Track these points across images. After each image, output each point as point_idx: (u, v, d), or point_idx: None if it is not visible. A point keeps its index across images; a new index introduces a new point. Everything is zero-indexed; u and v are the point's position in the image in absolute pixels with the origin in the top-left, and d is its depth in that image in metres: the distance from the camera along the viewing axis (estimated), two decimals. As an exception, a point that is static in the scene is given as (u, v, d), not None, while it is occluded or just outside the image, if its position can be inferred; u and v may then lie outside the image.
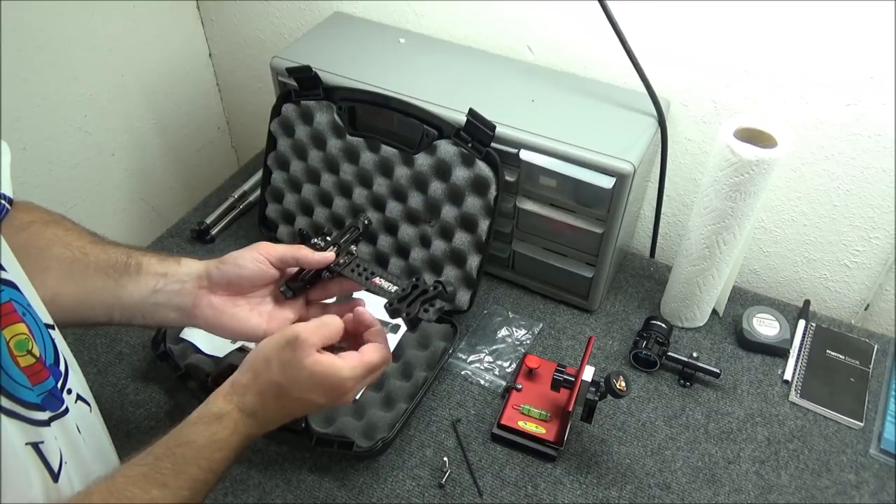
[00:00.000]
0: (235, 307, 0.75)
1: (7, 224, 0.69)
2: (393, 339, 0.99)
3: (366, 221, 0.82)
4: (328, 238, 0.79)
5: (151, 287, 0.73)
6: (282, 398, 0.64)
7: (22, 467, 0.56)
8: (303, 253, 0.74)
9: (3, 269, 0.59)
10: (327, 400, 0.65)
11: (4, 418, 0.54)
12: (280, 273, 0.76)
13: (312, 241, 0.78)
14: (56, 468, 0.60)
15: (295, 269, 0.78)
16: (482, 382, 0.97)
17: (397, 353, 0.98)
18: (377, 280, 0.75)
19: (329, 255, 0.76)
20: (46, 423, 0.60)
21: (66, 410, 0.63)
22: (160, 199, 1.49)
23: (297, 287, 0.77)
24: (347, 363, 0.65)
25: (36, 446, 0.58)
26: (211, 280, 0.74)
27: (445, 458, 0.87)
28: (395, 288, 0.75)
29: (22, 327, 0.58)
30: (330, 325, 0.67)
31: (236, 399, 0.64)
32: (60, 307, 0.73)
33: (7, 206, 0.69)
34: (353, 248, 0.79)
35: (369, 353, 0.67)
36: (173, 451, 0.60)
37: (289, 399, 0.64)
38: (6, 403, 0.55)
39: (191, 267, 0.74)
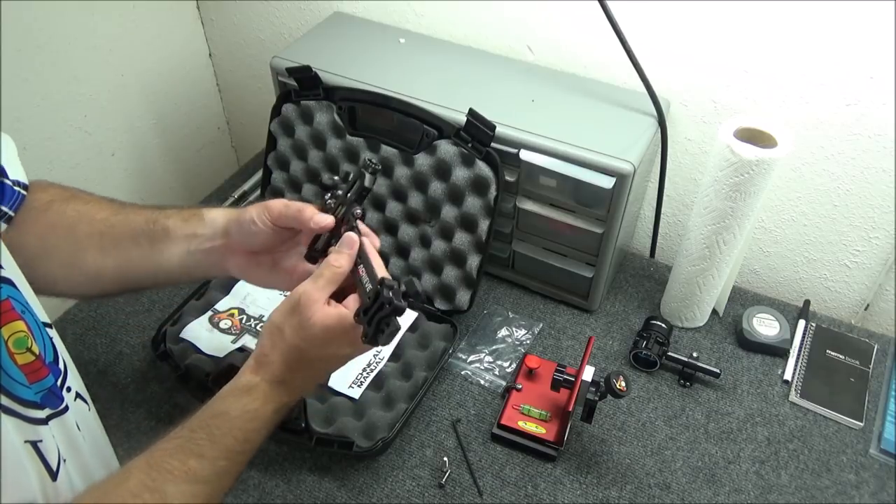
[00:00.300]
0: (258, 266, 0.75)
1: (27, 207, 0.70)
2: (393, 340, 0.99)
3: (370, 167, 0.72)
4: (339, 194, 0.72)
5: (185, 249, 0.74)
6: (306, 360, 0.63)
7: (20, 465, 0.56)
8: (303, 215, 0.70)
9: (1, 267, 0.59)
10: (352, 348, 0.64)
11: (4, 416, 0.54)
12: (292, 231, 0.74)
13: (326, 201, 0.72)
14: (55, 467, 0.60)
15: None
16: (482, 382, 0.97)
17: (397, 353, 0.98)
18: (360, 270, 0.66)
19: (328, 221, 0.70)
20: (44, 421, 0.60)
21: (66, 408, 0.63)
22: (160, 199, 1.49)
23: (314, 255, 0.73)
24: (353, 306, 0.63)
25: (34, 445, 0.58)
26: (231, 239, 0.74)
27: (445, 458, 0.87)
28: (369, 287, 0.63)
29: (21, 325, 0.59)
30: (328, 271, 0.64)
31: (262, 371, 0.63)
32: (106, 281, 0.75)
33: (23, 192, 0.70)
34: (357, 210, 0.71)
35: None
36: (208, 422, 0.60)
37: (313, 359, 0.64)
38: (4, 401, 0.55)
39: (215, 224, 0.74)
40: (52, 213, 0.72)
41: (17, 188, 0.69)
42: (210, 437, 0.60)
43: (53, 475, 0.60)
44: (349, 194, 0.72)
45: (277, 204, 0.71)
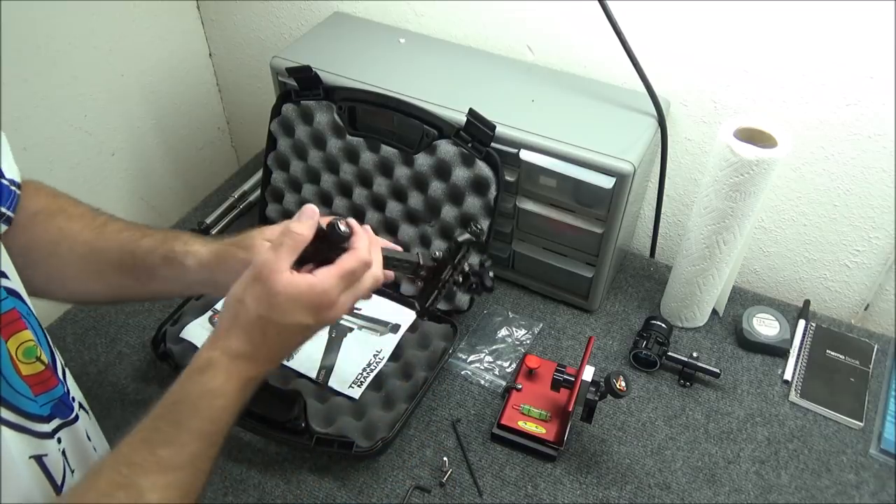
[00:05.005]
0: None
1: (16, 213, 0.68)
2: (393, 340, 0.99)
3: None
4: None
5: (172, 286, 0.73)
6: (269, 331, 0.60)
7: (22, 483, 0.55)
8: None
9: (6, 277, 0.58)
10: (316, 319, 0.61)
11: (7, 431, 0.53)
12: None
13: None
14: (59, 481, 0.59)
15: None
16: (482, 382, 0.97)
17: (397, 353, 0.98)
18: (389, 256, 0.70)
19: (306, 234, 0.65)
20: (50, 434, 0.59)
21: (77, 418, 0.62)
22: (160, 199, 1.49)
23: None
24: (322, 275, 0.61)
25: (39, 459, 0.57)
26: (220, 276, 0.70)
27: (445, 458, 0.87)
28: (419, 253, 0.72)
29: (29, 334, 0.58)
30: (289, 240, 0.61)
31: (220, 345, 0.60)
32: (96, 300, 0.74)
33: (17, 191, 0.67)
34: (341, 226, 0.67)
35: (343, 260, 0.62)
36: (170, 409, 0.57)
37: (277, 329, 0.60)
38: (8, 416, 0.54)
39: (200, 265, 0.70)
40: (36, 227, 0.70)
41: (13, 188, 0.67)
42: (175, 423, 0.56)
43: (58, 489, 0.59)
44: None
45: (259, 242, 0.68)
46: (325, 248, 0.64)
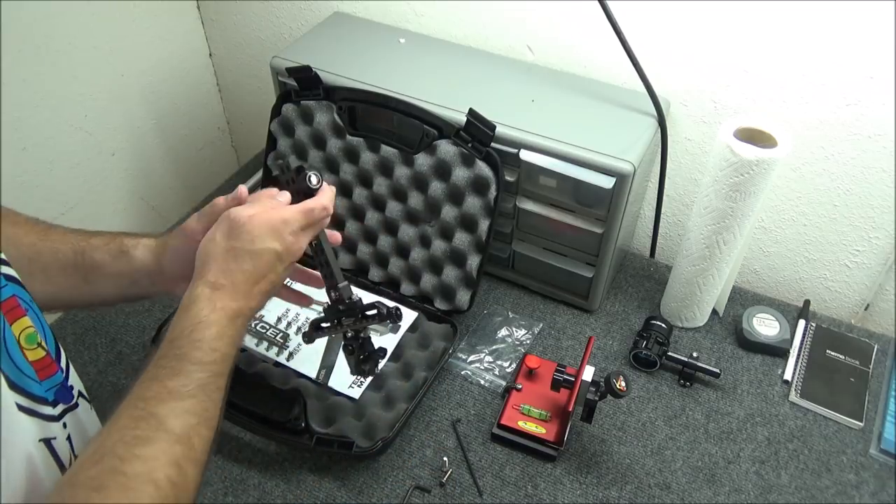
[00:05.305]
0: None
1: None
2: (393, 340, 0.99)
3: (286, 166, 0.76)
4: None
5: (119, 285, 0.74)
6: (241, 258, 0.65)
7: (34, 465, 0.56)
8: (217, 205, 0.72)
9: (6, 264, 0.59)
10: (282, 245, 0.67)
11: (19, 414, 0.54)
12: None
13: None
14: (67, 463, 0.60)
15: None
16: (482, 382, 0.97)
17: (397, 353, 0.98)
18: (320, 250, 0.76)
19: (237, 190, 0.73)
20: (57, 418, 0.60)
21: (77, 404, 0.63)
22: (160, 199, 1.49)
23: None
24: (283, 208, 0.69)
25: (48, 443, 0.58)
26: (167, 270, 0.73)
27: (445, 458, 0.87)
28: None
29: (29, 321, 0.59)
30: (242, 195, 0.71)
31: (199, 281, 0.64)
32: (40, 304, 0.74)
33: None
34: (311, 175, 0.74)
35: (306, 202, 0.71)
36: (169, 347, 0.60)
37: (247, 255, 0.66)
38: (18, 398, 0.55)
39: (146, 262, 0.74)
40: None
41: None
42: (176, 357, 0.60)
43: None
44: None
45: (190, 221, 0.73)
46: (293, 194, 0.72)
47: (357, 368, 0.80)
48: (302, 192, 0.72)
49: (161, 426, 0.55)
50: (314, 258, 0.75)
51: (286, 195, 0.72)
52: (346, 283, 0.77)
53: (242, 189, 0.72)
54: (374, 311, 0.76)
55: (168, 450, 0.54)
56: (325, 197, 0.72)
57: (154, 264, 0.74)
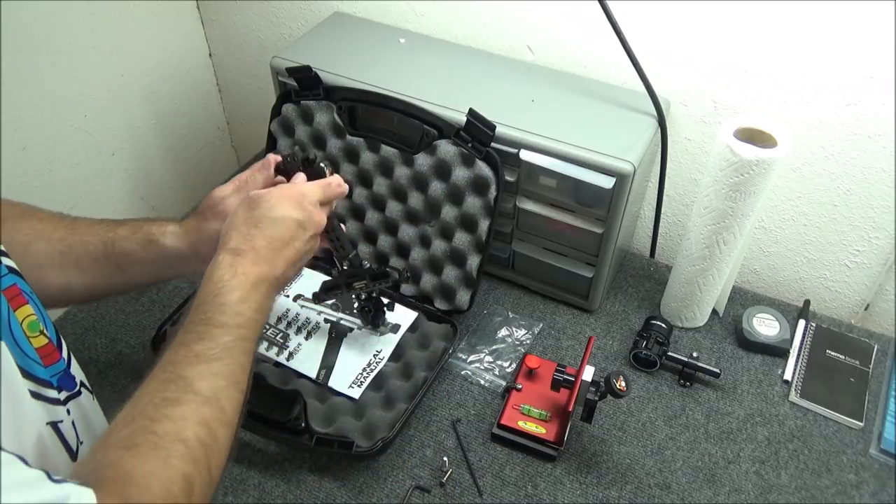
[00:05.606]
0: None
1: None
2: (393, 340, 0.99)
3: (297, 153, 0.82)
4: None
5: (153, 269, 0.76)
6: (262, 224, 0.68)
7: (44, 449, 0.56)
8: (243, 180, 0.78)
9: (6, 256, 0.60)
10: (301, 212, 0.70)
11: (26, 397, 0.55)
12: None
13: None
14: (74, 447, 0.61)
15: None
16: (482, 382, 0.97)
17: (397, 353, 0.98)
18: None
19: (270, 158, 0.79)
20: (62, 402, 0.61)
21: (80, 392, 0.64)
22: (160, 199, 1.49)
23: None
24: (302, 183, 0.75)
25: (55, 426, 0.59)
26: (202, 249, 0.75)
27: (445, 458, 0.87)
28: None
29: (31, 309, 0.60)
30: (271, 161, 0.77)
31: (222, 249, 0.67)
32: (74, 297, 0.76)
33: None
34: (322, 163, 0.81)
35: (321, 179, 0.76)
36: (195, 312, 0.62)
37: (268, 222, 0.68)
38: (25, 382, 0.55)
39: (178, 246, 0.76)
40: (7, 231, 0.72)
41: None
42: (202, 322, 0.61)
43: (74, 456, 0.61)
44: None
45: (215, 193, 0.76)
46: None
47: (373, 324, 0.95)
48: (311, 177, 0.78)
49: (189, 388, 0.56)
50: (326, 233, 0.80)
51: (302, 176, 0.77)
52: (355, 251, 0.87)
53: (272, 156, 0.77)
54: (384, 272, 0.88)
55: (196, 410, 0.55)
56: (338, 179, 0.77)
57: (188, 249, 0.76)
